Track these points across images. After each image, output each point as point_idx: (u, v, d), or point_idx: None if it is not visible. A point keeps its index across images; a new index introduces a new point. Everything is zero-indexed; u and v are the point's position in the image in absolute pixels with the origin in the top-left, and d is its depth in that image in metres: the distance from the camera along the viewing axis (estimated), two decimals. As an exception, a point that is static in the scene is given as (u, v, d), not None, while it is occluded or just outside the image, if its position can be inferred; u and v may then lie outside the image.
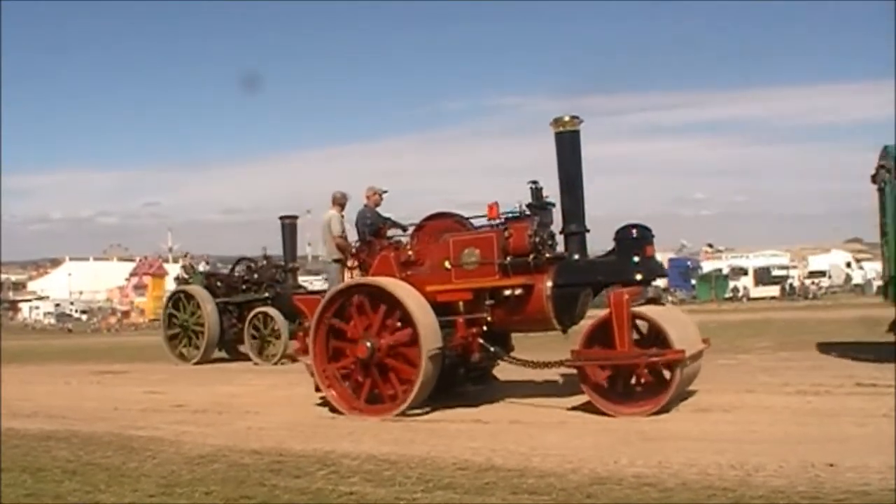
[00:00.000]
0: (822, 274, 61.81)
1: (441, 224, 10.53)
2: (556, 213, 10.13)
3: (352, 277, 11.34)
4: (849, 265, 67.60)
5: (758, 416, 8.53)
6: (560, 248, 10.07)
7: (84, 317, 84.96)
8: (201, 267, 22.95)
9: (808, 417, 8.35)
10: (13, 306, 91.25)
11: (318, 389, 10.47)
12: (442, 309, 9.84)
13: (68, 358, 24.69)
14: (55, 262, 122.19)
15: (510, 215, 9.94)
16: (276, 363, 18.50)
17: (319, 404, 10.59)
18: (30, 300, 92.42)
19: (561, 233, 10.05)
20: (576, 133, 9.93)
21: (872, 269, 67.57)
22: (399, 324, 9.72)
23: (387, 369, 9.77)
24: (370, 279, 10.26)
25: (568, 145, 9.92)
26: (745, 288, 54.48)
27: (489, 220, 10.05)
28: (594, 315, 9.62)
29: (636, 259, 9.62)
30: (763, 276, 56.71)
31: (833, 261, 68.56)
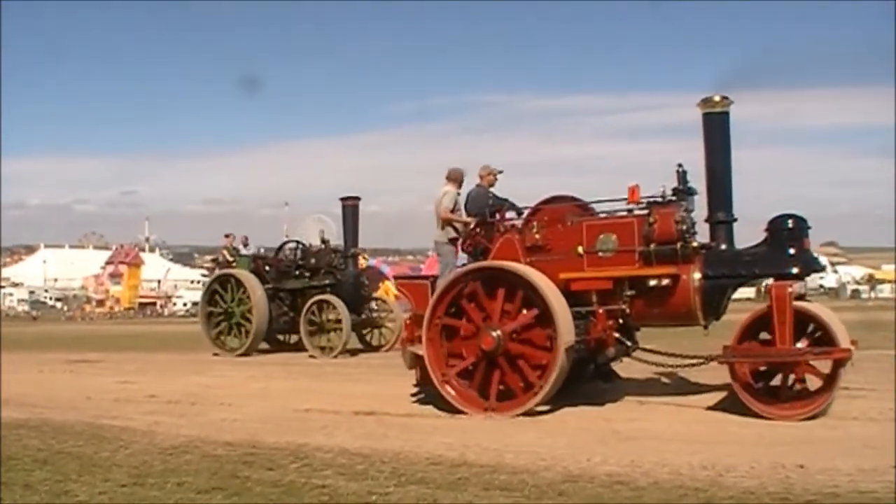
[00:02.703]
0: (798, 277, 62.15)
1: (561, 208, 9.86)
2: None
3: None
4: (824, 269, 68.00)
5: (731, 417, 8.57)
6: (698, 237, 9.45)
7: (59, 304, 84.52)
8: (241, 248, 21.21)
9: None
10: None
11: (419, 384, 10.06)
12: (573, 298, 9.18)
13: (41, 346, 24.51)
14: (30, 249, 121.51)
15: (653, 200, 9.29)
16: (335, 357, 17.45)
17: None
18: (3, 287, 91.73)
19: (706, 221, 9.45)
20: (725, 114, 9.36)
21: (847, 273, 68.30)
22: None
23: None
24: (501, 263, 9.45)
25: (717, 127, 9.36)
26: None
27: (628, 204, 9.40)
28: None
29: (791, 251, 9.01)
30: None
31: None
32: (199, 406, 10.55)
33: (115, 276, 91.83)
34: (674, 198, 9.30)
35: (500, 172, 10.92)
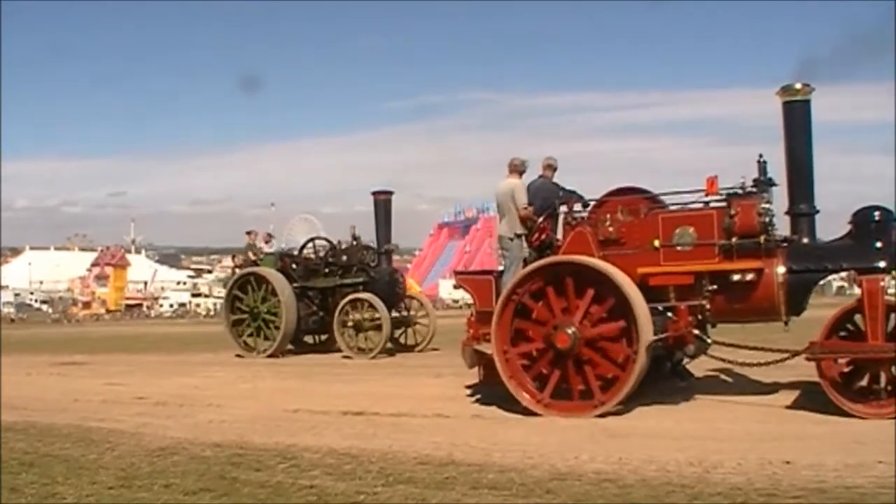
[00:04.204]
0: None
1: (631, 199, 9.54)
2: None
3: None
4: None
5: (719, 414, 8.60)
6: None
7: (44, 307, 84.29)
8: (263, 245, 20.34)
9: (768, 415, 8.42)
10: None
11: (482, 383, 9.82)
12: (649, 293, 8.82)
13: (28, 349, 24.41)
14: (15, 251, 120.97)
15: (732, 191, 8.96)
16: (373, 357, 16.70)
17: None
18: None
19: (787, 213, 9.22)
20: (807, 103, 9.15)
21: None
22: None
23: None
24: (578, 258, 9.04)
25: (798, 116, 9.15)
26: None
27: (707, 195, 9.07)
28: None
29: (878, 244, 8.71)
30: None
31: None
32: (187, 407, 10.51)
33: (101, 278, 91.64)
34: (754, 189, 9.03)
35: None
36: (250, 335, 18.56)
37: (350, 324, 17.49)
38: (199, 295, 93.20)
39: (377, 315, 17.24)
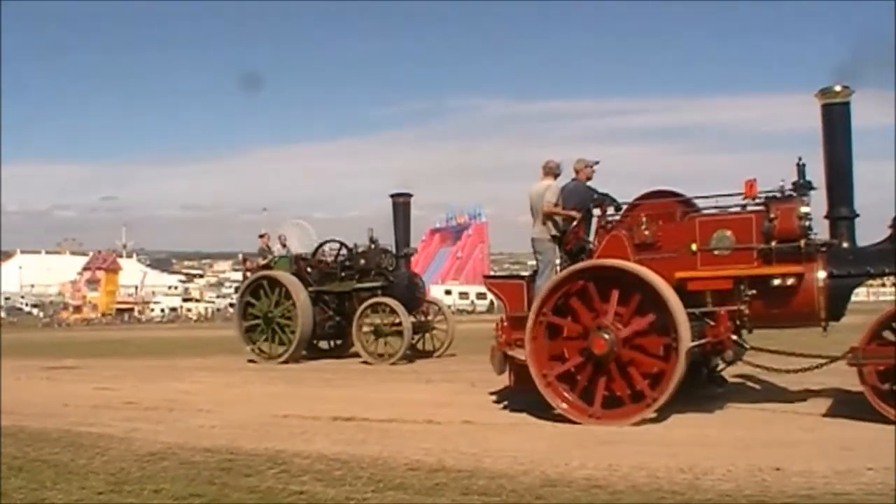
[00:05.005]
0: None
1: (666, 203, 9.52)
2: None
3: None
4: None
5: (709, 421, 8.62)
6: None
7: (35, 311, 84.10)
8: (276, 249, 19.93)
9: (758, 422, 8.42)
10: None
11: (512, 388, 9.78)
12: (686, 298, 8.68)
13: (18, 353, 24.30)
14: (6, 255, 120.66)
15: (771, 195, 8.85)
16: (393, 363, 16.55)
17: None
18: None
19: (826, 217, 9.12)
20: (846, 105, 9.05)
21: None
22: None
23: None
24: (616, 262, 8.93)
25: (837, 119, 9.05)
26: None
27: (745, 198, 8.95)
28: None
29: None
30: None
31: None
32: (177, 412, 10.49)
33: (93, 282, 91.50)
34: (793, 192, 8.92)
35: (597, 163, 10.43)
36: (264, 340, 18.28)
37: (369, 329, 17.25)
38: (190, 299, 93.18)
39: (397, 320, 16.99)
